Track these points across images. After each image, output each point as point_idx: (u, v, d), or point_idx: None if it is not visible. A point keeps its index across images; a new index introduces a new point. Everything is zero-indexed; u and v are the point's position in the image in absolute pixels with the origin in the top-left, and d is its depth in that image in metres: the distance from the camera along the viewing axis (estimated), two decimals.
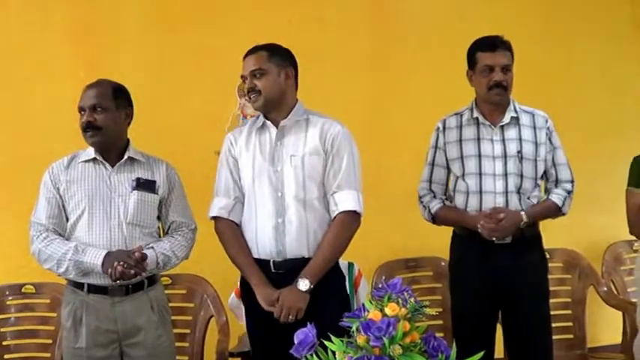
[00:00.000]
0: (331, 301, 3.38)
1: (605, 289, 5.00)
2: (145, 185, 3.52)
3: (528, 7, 5.61)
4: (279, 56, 3.50)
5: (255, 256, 3.46)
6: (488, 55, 3.72)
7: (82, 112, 3.45)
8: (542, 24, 5.64)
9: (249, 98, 3.50)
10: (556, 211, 3.84)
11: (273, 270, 3.41)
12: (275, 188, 3.43)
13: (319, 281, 3.34)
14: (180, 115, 5.06)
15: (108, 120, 3.46)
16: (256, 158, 3.48)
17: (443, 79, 5.21)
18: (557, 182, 3.86)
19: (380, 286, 2.14)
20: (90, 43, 5.04)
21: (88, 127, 3.43)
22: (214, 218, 3.56)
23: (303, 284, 3.31)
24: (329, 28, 5.12)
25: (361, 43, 5.34)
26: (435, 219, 3.91)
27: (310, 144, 3.45)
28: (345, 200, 3.43)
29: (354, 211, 3.44)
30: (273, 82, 3.46)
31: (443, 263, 4.71)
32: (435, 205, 3.88)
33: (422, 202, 3.95)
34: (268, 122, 3.51)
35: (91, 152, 3.51)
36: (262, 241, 3.43)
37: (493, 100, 3.77)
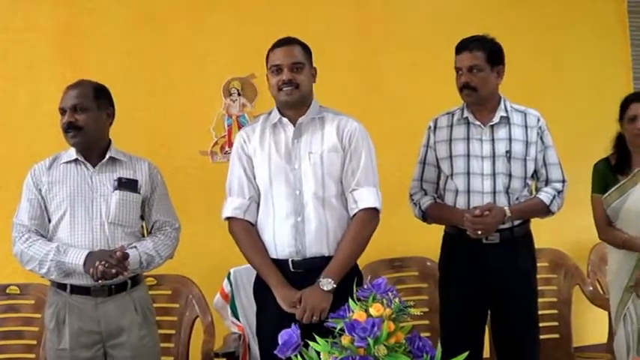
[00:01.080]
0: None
1: (591, 288, 5.02)
2: (126, 185, 3.50)
3: (514, 7, 5.62)
4: (309, 53, 3.46)
5: (274, 256, 3.38)
6: (456, 58, 3.76)
7: (63, 113, 3.44)
8: (528, 24, 5.66)
9: (281, 90, 3.37)
10: (544, 210, 3.82)
11: (292, 269, 3.35)
12: (293, 187, 3.37)
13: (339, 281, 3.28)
14: (165, 115, 5.05)
15: (89, 120, 3.44)
16: (272, 157, 3.41)
17: (428, 80, 5.23)
18: (547, 182, 3.85)
19: (365, 286, 2.14)
20: (74, 44, 5.03)
21: (69, 128, 3.41)
22: (228, 219, 3.48)
23: (327, 284, 3.23)
24: (313, 29, 5.12)
25: (346, 45, 5.36)
26: (426, 216, 3.90)
27: (328, 141, 3.40)
28: (365, 198, 3.38)
29: (374, 208, 3.40)
30: (308, 78, 3.43)
31: (429, 263, 4.72)
32: (426, 202, 3.88)
33: (412, 200, 3.94)
34: (285, 119, 3.44)
35: (72, 153, 3.49)
36: (281, 241, 3.37)
37: (465, 101, 3.80)
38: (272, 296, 3.33)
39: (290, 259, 3.34)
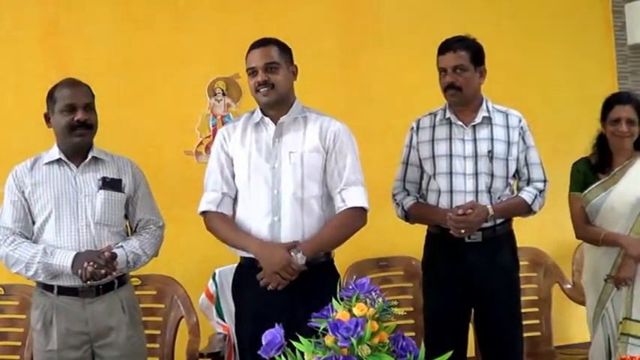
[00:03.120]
0: (327, 301, 3.33)
1: (569, 286, 5.08)
2: (111, 184, 3.48)
3: (498, 7, 5.64)
4: (287, 51, 3.47)
5: (251, 254, 3.38)
6: (440, 58, 3.78)
7: (70, 110, 3.39)
8: (512, 24, 5.67)
9: (258, 92, 3.39)
10: (525, 209, 3.84)
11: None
12: (271, 186, 3.38)
13: (315, 281, 3.25)
14: (150, 115, 5.04)
15: (96, 119, 3.48)
16: (252, 155, 3.42)
17: (413, 79, 5.23)
18: (529, 181, 3.87)
19: (349, 286, 2.15)
20: (59, 43, 5.02)
21: (81, 126, 3.40)
22: (203, 213, 3.49)
23: (300, 258, 3.24)
24: (296, 27, 5.13)
25: (330, 43, 5.36)
26: (408, 216, 3.92)
27: (310, 141, 3.41)
28: (354, 197, 3.40)
29: (362, 207, 3.42)
30: (286, 78, 3.43)
31: (414, 262, 4.73)
32: (409, 202, 3.90)
33: (395, 200, 3.96)
34: (267, 119, 3.45)
35: (54, 153, 3.47)
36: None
37: (449, 101, 3.82)
38: (250, 295, 3.37)
39: None
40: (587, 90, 5.75)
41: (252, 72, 3.42)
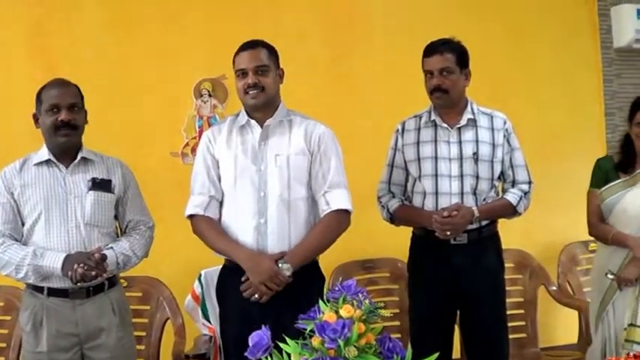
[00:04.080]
0: (312, 303, 3.34)
1: (555, 288, 5.09)
2: (100, 185, 3.47)
3: (485, 9, 5.65)
4: (275, 54, 3.48)
5: None
6: (426, 61, 3.78)
7: (57, 110, 3.38)
8: (498, 27, 5.68)
9: (247, 94, 3.40)
10: (511, 210, 3.84)
11: None
12: (257, 188, 3.39)
13: (300, 282, 3.28)
14: (136, 116, 5.03)
15: (82, 120, 3.47)
16: (238, 158, 3.43)
17: (398, 82, 5.24)
18: (514, 183, 3.88)
19: (335, 287, 2.15)
20: (46, 44, 5.00)
21: (65, 126, 3.38)
22: (190, 217, 3.49)
23: (287, 269, 3.26)
24: (285, 30, 5.13)
25: (318, 46, 5.36)
26: (394, 218, 3.92)
27: (295, 144, 3.43)
28: (337, 199, 3.42)
29: (346, 210, 3.44)
30: (274, 81, 3.45)
31: (400, 264, 4.73)
32: (394, 204, 3.90)
33: (380, 202, 3.96)
34: (252, 121, 3.46)
35: (44, 154, 3.45)
36: (243, 242, 3.38)
37: (436, 104, 3.82)
38: (235, 296, 3.36)
39: None
40: (572, 92, 5.79)
41: (241, 74, 3.42)
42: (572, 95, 5.79)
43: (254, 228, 3.37)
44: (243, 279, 3.30)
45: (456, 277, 3.75)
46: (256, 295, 3.26)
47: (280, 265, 3.27)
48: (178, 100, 5.16)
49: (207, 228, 3.45)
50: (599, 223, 4.08)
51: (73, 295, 3.37)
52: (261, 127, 3.45)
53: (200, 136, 4.98)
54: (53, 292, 3.37)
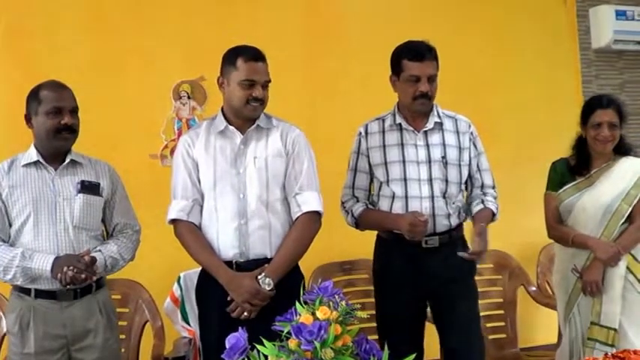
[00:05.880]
0: (291, 302, 3.34)
1: (534, 288, 5.11)
2: (89, 188, 3.47)
3: (463, 11, 5.67)
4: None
5: None
6: (416, 66, 3.67)
7: (58, 113, 3.38)
8: (475, 27, 5.70)
9: (248, 104, 3.41)
10: (491, 218, 3.84)
11: (235, 271, 3.39)
12: (237, 190, 3.42)
13: (280, 283, 3.33)
14: (115, 118, 5.00)
15: (78, 124, 3.47)
16: (218, 161, 3.45)
17: (374, 82, 5.21)
18: (482, 187, 3.89)
19: (312, 289, 2.15)
20: (25, 46, 4.96)
21: (66, 129, 3.39)
22: (173, 221, 3.50)
23: (268, 284, 3.29)
24: (263, 31, 5.11)
25: (294, 45, 5.35)
26: (359, 222, 3.87)
27: (273, 146, 3.47)
28: (308, 201, 3.46)
29: (317, 212, 3.47)
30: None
31: None
32: (358, 209, 3.84)
33: (344, 207, 3.91)
34: (232, 127, 3.49)
35: (32, 155, 3.44)
36: (224, 243, 3.41)
37: (417, 110, 3.75)
38: (214, 298, 3.39)
39: (234, 261, 3.40)
40: (551, 94, 5.81)
41: (248, 84, 3.40)
42: (551, 96, 5.82)
43: (235, 229, 3.40)
44: (228, 299, 3.33)
45: (428, 278, 3.71)
46: (245, 313, 3.29)
47: (261, 281, 3.30)
48: (157, 102, 5.14)
49: (192, 239, 3.46)
50: (558, 225, 4.12)
51: (60, 297, 3.37)
52: (242, 132, 3.47)
53: (179, 138, 4.97)
54: (41, 294, 3.36)
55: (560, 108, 5.82)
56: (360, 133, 3.91)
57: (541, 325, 5.39)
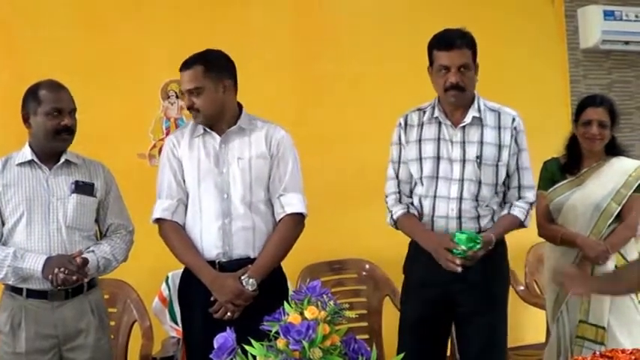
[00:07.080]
0: (274, 302, 3.32)
1: (523, 288, 5.12)
2: (83, 188, 3.46)
3: (452, 10, 5.67)
4: (216, 68, 3.43)
5: None
6: (444, 55, 3.48)
7: (56, 114, 3.37)
8: (467, 26, 5.68)
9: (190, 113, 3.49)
10: (517, 225, 3.61)
11: (218, 271, 3.40)
12: (220, 190, 3.43)
13: (263, 283, 3.35)
14: (103, 117, 4.97)
15: (76, 125, 3.47)
16: (201, 160, 3.46)
17: (366, 83, 5.24)
18: (519, 188, 3.62)
19: (300, 289, 2.15)
20: (12, 44, 4.94)
21: (66, 131, 3.39)
22: (157, 221, 3.51)
23: (251, 285, 3.31)
24: (253, 32, 5.12)
25: (285, 46, 5.35)
26: (397, 225, 3.67)
27: (256, 148, 3.47)
28: (292, 203, 3.47)
29: (300, 213, 3.48)
30: (212, 100, 3.41)
31: (367, 265, 4.74)
32: (398, 211, 3.63)
33: (387, 203, 3.71)
34: (209, 131, 3.50)
35: (27, 154, 3.42)
36: (208, 243, 3.42)
37: (450, 102, 3.53)
38: (198, 299, 3.41)
39: (217, 261, 3.42)
40: (540, 94, 5.83)
41: (183, 94, 3.49)
42: (539, 96, 5.82)
43: (218, 228, 3.41)
44: (212, 299, 3.34)
45: (451, 287, 3.49)
46: (229, 314, 3.31)
47: (244, 281, 3.32)
48: (145, 102, 5.13)
49: (176, 238, 3.48)
50: (548, 224, 4.13)
51: (52, 297, 3.36)
52: (220, 134, 3.48)
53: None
54: (32, 294, 3.35)
55: (548, 108, 5.83)
56: (400, 124, 3.69)
57: (529, 325, 5.40)
